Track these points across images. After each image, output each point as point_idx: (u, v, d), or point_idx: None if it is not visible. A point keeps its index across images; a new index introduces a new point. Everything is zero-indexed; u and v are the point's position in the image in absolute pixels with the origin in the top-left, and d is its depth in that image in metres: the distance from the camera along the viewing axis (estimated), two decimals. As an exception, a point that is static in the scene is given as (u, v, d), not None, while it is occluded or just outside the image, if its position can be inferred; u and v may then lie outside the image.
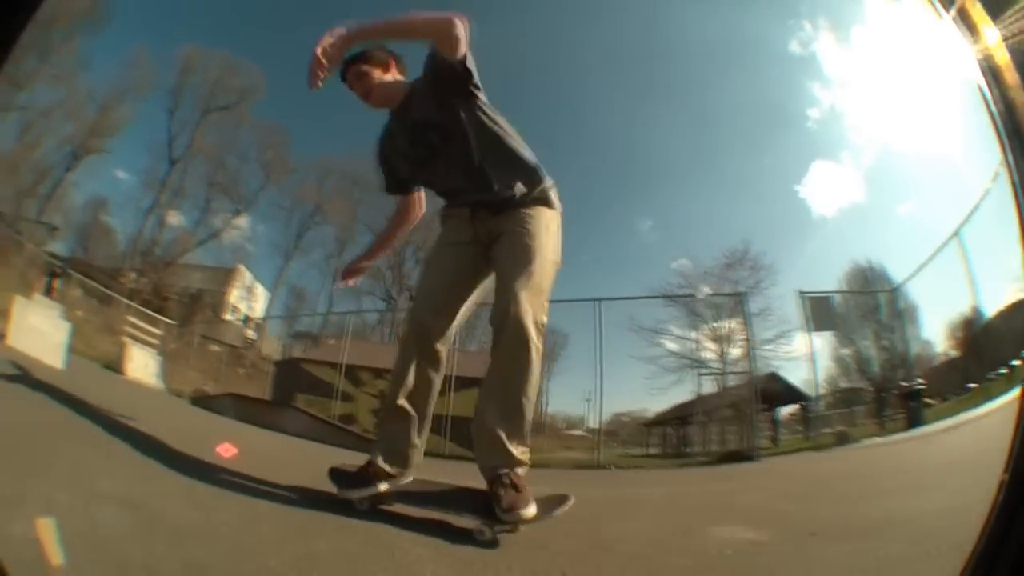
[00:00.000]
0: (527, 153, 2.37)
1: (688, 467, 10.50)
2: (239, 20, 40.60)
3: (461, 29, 2.04)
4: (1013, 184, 0.92)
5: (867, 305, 13.87)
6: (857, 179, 27.56)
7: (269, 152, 39.04)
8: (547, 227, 2.28)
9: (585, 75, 36.18)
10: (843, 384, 13.68)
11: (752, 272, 17.81)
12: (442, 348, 2.38)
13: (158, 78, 34.08)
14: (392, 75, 2.49)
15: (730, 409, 12.84)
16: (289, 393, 15.67)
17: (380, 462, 2.23)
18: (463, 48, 2.09)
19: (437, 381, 2.39)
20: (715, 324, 15.95)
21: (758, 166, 32.73)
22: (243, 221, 36.75)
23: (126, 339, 13.60)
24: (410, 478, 2.32)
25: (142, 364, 12.39)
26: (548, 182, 2.39)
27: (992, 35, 0.95)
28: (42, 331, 6.23)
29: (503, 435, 2.00)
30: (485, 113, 2.31)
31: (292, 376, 16.81)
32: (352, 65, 2.42)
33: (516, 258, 2.18)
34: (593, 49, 35.37)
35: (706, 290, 17.70)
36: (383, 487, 2.19)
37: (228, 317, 35.93)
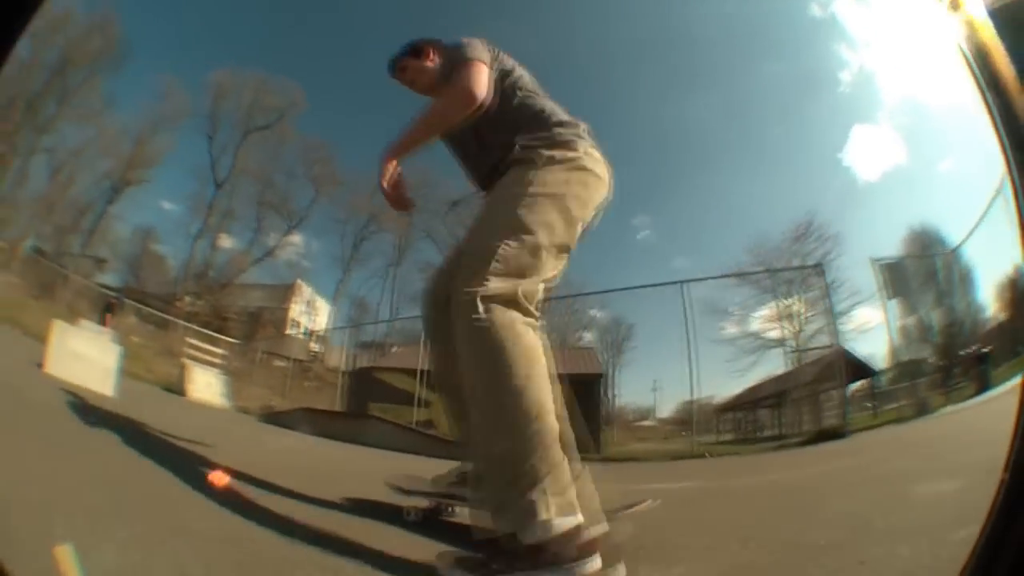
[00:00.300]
0: (530, 107, 2.08)
1: (785, 449, 10.05)
2: (266, 39, 42.25)
3: (480, 84, 1.93)
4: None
5: (927, 269, 13.33)
6: (897, 140, 26.52)
7: (316, 166, 39.45)
8: (516, 187, 1.90)
9: (621, 63, 36.31)
10: (908, 355, 13.00)
11: (820, 243, 17.21)
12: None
13: (192, 105, 35.46)
14: (432, 62, 2.37)
15: (811, 387, 12.49)
16: (363, 403, 15.61)
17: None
18: (484, 94, 1.94)
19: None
20: (789, 300, 15.78)
21: (798, 137, 31.10)
22: (296, 237, 37.59)
23: (186, 361, 13.75)
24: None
25: (205, 384, 12.63)
26: (548, 133, 2.01)
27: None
28: (87, 357, 5.98)
29: (508, 484, 1.47)
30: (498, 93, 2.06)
31: (365, 386, 16.86)
32: (397, 61, 2.41)
33: (470, 230, 1.96)
34: (625, 38, 35.80)
35: (782, 264, 17.19)
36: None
37: (291, 332, 36.83)
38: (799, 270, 16.31)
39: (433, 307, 2.01)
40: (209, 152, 35.75)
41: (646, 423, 19.48)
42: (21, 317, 14.42)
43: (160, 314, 24.50)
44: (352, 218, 40.37)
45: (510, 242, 1.72)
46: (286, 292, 38.56)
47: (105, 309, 11.65)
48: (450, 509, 2.17)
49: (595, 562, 1.36)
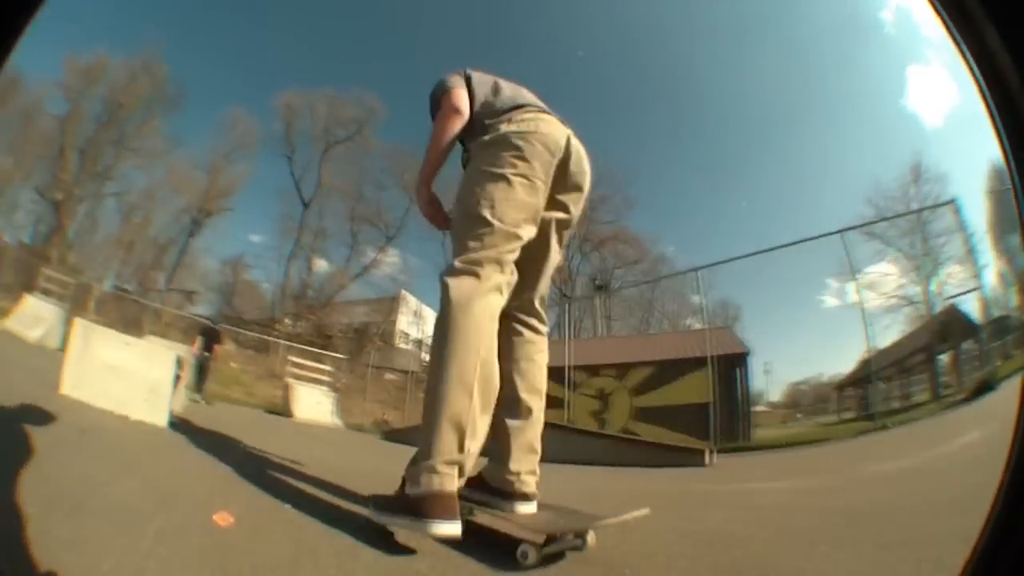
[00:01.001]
0: (486, 107, 2.37)
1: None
2: (325, 53, 44.61)
3: (456, 101, 2.29)
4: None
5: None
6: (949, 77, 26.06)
7: (405, 174, 40.75)
8: (462, 181, 2.27)
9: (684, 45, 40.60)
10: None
11: (932, 184, 15.86)
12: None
13: (262, 130, 37.28)
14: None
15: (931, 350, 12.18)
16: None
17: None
18: (461, 105, 2.30)
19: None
20: (915, 250, 14.44)
21: (859, 86, 33.42)
22: (394, 248, 39.49)
23: (290, 380, 14.24)
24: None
25: (313, 403, 13.03)
26: (490, 123, 2.29)
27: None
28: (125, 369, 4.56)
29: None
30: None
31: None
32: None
33: None
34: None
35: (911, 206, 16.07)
36: None
37: (400, 345, 38.31)
38: (930, 209, 15.17)
39: None
40: (291, 172, 37.89)
41: (758, 408, 18.96)
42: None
43: (262, 336, 25.82)
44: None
45: (462, 225, 2.09)
46: (391, 304, 39.81)
47: (206, 337, 11.75)
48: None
49: (448, 527, 1.68)
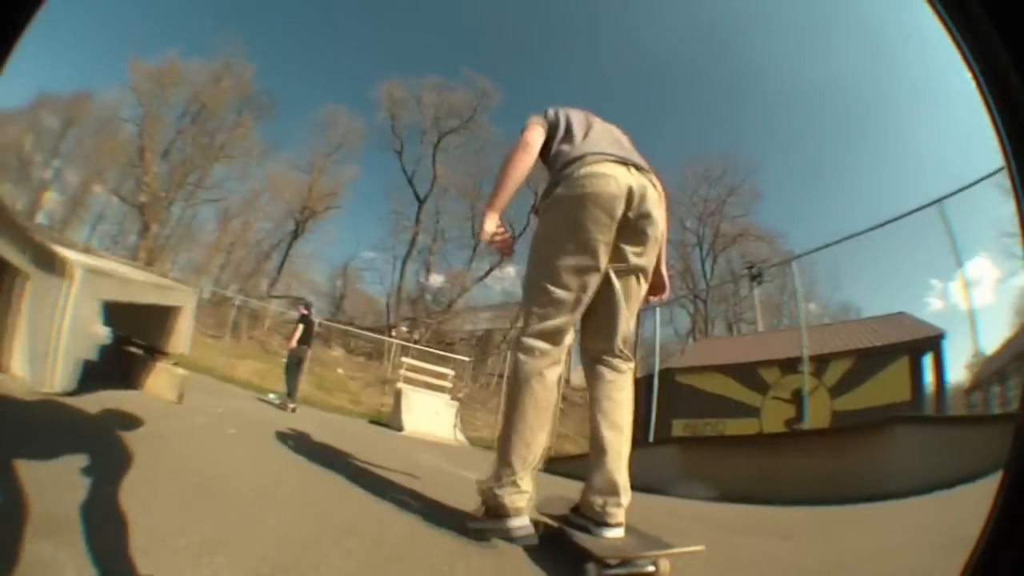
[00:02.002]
0: (558, 153, 2.78)
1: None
2: (425, 39, 46.36)
3: (528, 137, 2.78)
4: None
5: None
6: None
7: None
8: (537, 234, 2.72)
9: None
10: None
11: None
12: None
13: (366, 125, 39.78)
14: None
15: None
16: (664, 422, 13.47)
17: None
18: (533, 142, 2.78)
19: None
20: None
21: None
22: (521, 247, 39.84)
23: (402, 385, 13.78)
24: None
25: (431, 412, 12.71)
26: (556, 178, 2.69)
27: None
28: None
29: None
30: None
31: (666, 397, 14.52)
32: None
33: None
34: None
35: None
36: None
37: None
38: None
39: None
40: (402, 168, 39.80)
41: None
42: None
43: (377, 336, 26.92)
44: None
45: (527, 295, 2.65)
46: (518, 310, 38.46)
47: (304, 325, 11.27)
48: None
49: (511, 525, 2.39)
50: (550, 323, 2.53)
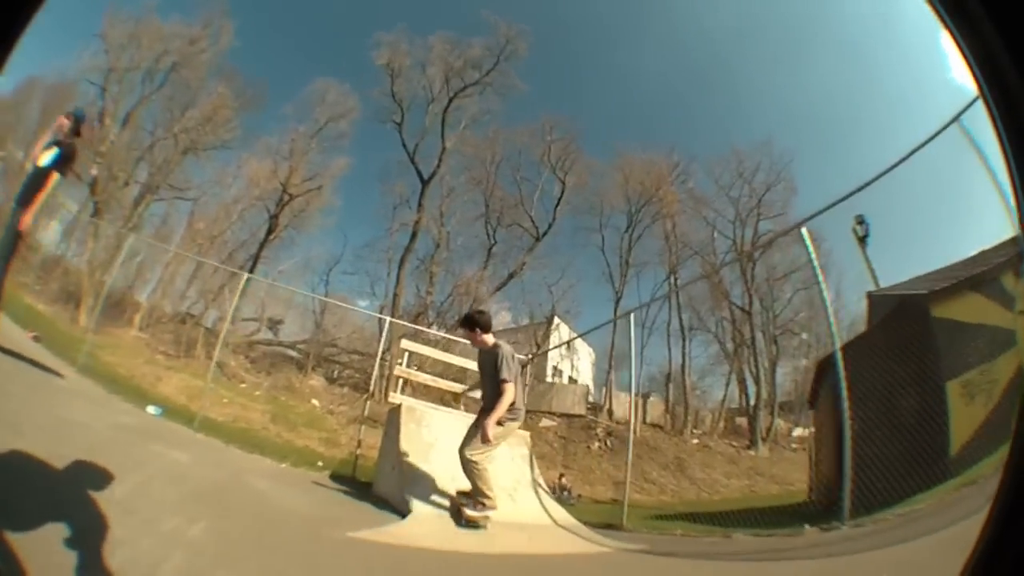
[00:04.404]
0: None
1: None
2: None
3: (510, 393, 7.12)
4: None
5: None
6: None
7: (554, 144, 41.20)
8: (490, 428, 6.95)
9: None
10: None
11: None
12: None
13: (359, 100, 40.41)
14: (482, 335, 7.66)
15: None
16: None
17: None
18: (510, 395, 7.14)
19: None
20: None
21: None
22: (545, 251, 39.80)
23: (407, 401, 10.31)
24: None
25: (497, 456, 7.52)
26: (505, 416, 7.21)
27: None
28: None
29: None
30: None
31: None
32: (463, 328, 8.01)
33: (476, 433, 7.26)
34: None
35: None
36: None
37: (555, 381, 38.97)
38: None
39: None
40: (402, 142, 39.89)
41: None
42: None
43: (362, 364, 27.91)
44: (611, 215, 41.26)
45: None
46: (542, 331, 39.62)
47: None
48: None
49: (485, 511, 7.07)
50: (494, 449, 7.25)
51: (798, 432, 32.41)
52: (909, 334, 10.45)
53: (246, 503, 6.59)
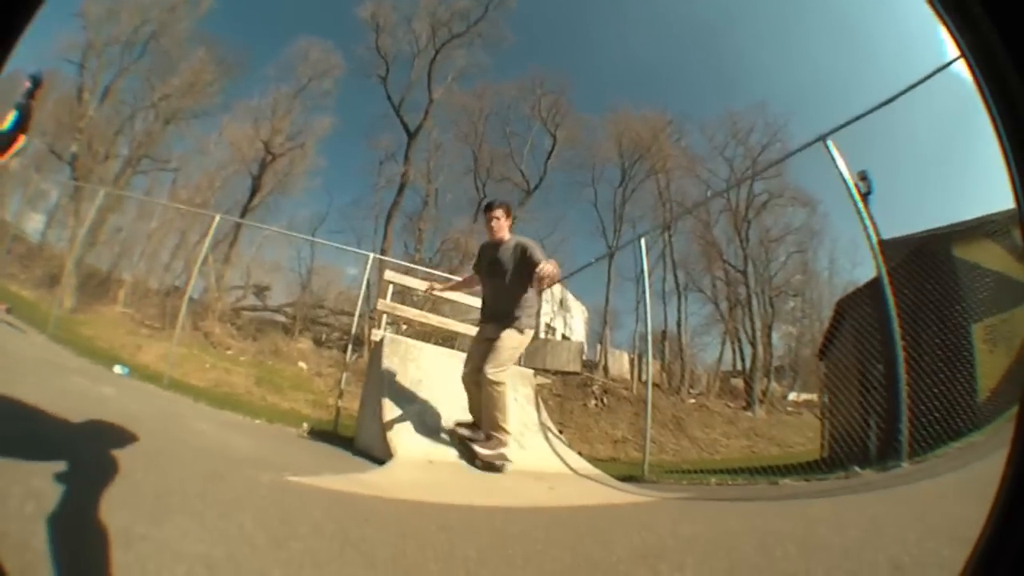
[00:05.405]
0: (526, 306, 7.14)
1: None
2: None
3: (556, 267, 6.49)
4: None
5: None
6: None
7: (544, 98, 41.86)
8: (511, 339, 6.92)
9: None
10: None
11: None
12: (478, 375, 6.85)
13: (344, 54, 40.88)
14: (507, 222, 7.46)
15: None
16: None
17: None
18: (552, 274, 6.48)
19: (479, 388, 6.94)
20: None
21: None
22: (536, 204, 41.04)
23: (389, 336, 9.24)
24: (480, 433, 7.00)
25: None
26: (525, 322, 7.13)
27: None
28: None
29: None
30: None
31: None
32: (490, 210, 7.47)
33: (493, 347, 6.94)
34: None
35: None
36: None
37: (548, 337, 37.94)
38: None
39: (470, 375, 7.21)
40: (387, 95, 40.10)
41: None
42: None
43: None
44: (603, 169, 41.64)
45: (505, 356, 6.95)
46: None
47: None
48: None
49: (500, 448, 6.80)
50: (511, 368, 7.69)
51: (793, 396, 34.07)
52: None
53: (186, 448, 5.62)
